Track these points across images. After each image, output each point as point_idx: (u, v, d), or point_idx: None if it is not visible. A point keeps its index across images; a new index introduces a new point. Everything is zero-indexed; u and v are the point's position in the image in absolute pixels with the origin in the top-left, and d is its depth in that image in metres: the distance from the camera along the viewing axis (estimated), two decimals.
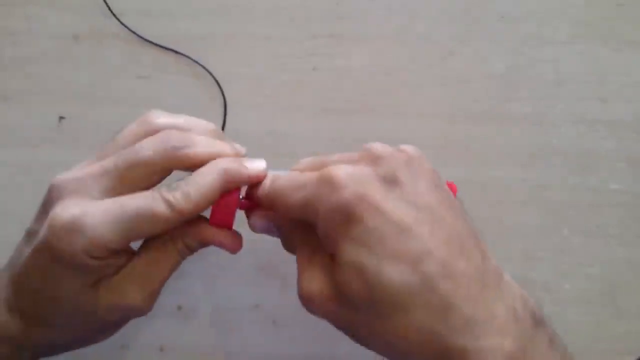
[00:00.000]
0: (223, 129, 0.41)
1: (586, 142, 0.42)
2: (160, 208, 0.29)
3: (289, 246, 0.34)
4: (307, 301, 0.30)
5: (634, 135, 0.42)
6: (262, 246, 0.40)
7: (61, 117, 0.42)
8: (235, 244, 0.34)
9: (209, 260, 0.41)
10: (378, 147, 0.30)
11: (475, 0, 0.42)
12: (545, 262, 0.42)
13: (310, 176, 0.30)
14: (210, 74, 0.42)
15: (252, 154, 0.41)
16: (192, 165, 0.31)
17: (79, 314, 0.31)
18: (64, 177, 0.31)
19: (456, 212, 0.29)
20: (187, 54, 0.42)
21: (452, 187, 0.33)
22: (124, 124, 0.32)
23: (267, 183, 0.32)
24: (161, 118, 0.32)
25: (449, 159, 0.42)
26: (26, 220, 0.32)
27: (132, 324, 0.40)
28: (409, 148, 0.30)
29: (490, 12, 0.42)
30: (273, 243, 0.40)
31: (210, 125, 0.33)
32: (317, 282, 0.29)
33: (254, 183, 0.32)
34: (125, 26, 0.42)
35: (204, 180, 0.30)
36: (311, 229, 0.30)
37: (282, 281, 0.40)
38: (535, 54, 0.42)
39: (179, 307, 0.41)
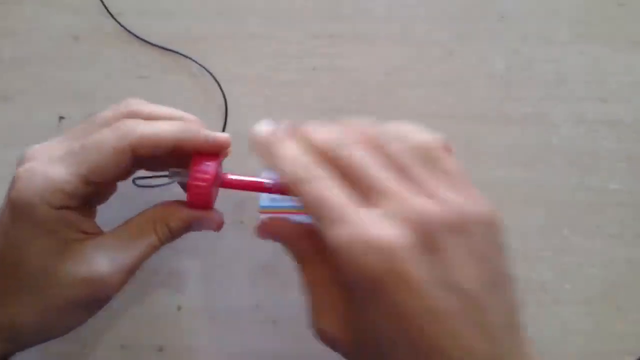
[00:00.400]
0: (224, 129, 0.41)
1: (586, 142, 0.42)
2: (113, 141, 0.30)
3: (297, 259, 0.31)
4: (323, 338, 0.28)
5: (634, 135, 0.42)
6: (262, 246, 0.40)
7: (61, 117, 0.42)
8: (214, 223, 0.33)
9: (209, 260, 0.41)
10: (430, 211, 0.25)
11: (475, 0, 0.42)
12: (545, 262, 0.42)
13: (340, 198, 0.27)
14: (210, 74, 0.42)
15: (253, 154, 0.41)
16: (151, 146, 0.31)
17: (43, 285, 0.30)
18: (31, 148, 0.31)
19: (499, 295, 0.26)
20: (187, 54, 0.42)
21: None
22: None
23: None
24: (135, 106, 0.33)
25: None
26: None
27: (132, 324, 0.40)
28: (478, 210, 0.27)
29: (490, 12, 0.42)
30: (273, 243, 0.40)
31: (189, 116, 0.34)
32: (335, 323, 0.28)
33: (214, 149, 0.32)
34: (125, 27, 0.42)
35: (160, 125, 0.31)
36: (324, 248, 0.27)
37: (282, 281, 0.40)
38: (535, 54, 0.42)
39: (179, 307, 0.41)
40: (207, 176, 0.32)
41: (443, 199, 0.26)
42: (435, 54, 0.42)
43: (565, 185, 0.42)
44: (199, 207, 0.33)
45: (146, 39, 0.42)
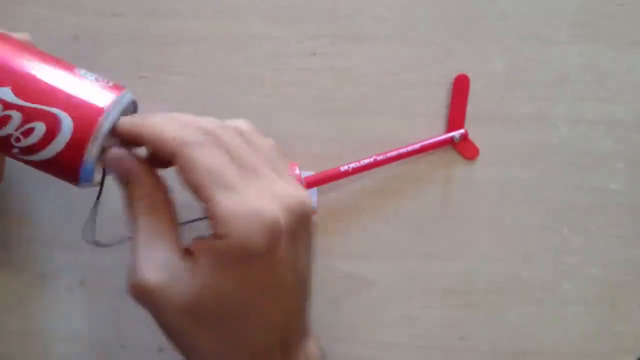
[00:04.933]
0: None
1: (586, 142, 0.42)
2: None
3: (130, 205, 0.30)
4: (139, 291, 0.28)
5: (634, 135, 0.42)
6: None
7: None
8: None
9: None
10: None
11: (475, 0, 0.42)
12: (545, 262, 0.42)
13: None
14: (211, 74, 0.42)
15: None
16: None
17: None
18: None
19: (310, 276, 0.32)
20: (187, 54, 0.42)
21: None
22: None
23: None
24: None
25: (449, 159, 0.42)
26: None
27: (132, 324, 0.40)
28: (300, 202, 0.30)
29: (490, 11, 0.42)
30: None
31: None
32: (164, 279, 0.28)
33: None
34: (125, 27, 0.42)
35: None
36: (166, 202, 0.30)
37: None
38: (535, 54, 0.42)
39: None
40: None
41: (300, 190, 0.30)
42: (435, 54, 0.42)
43: (565, 185, 0.42)
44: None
45: (146, 39, 0.42)
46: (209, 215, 0.28)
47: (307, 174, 0.40)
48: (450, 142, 0.41)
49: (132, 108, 0.33)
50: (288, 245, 0.28)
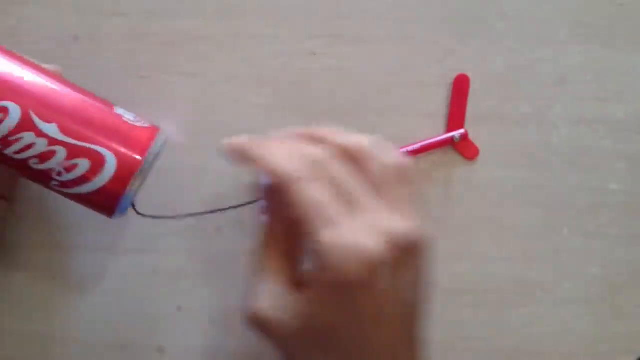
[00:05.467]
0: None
1: (586, 142, 0.42)
2: None
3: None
4: (256, 320, 0.31)
5: (634, 135, 0.42)
6: None
7: None
8: None
9: (209, 260, 0.41)
10: (400, 232, 0.29)
11: (475, 0, 0.42)
12: (545, 262, 0.42)
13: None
14: (211, 74, 0.42)
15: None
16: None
17: None
18: None
19: (419, 310, 0.32)
20: (187, 54, 0.42)
21: None
22: None
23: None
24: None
25: (449, 159, 0.42)
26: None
27: (132, 324, 0.40)
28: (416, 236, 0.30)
29: (490, 11, 0.42)
30: None
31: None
32: (278, 309, 0.31)
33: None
34: (125, 26, 0.42)
35: None
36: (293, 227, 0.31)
37: None
38: (535, 54, 0.42)
39: (179, 308, 0.41)
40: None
41: (411, 221, 0.30)
42: (435, 54, 0.42)
43: (565, 185, 0.42)
44: None
45: (146, 39, 0.42)
46: (312, 249, 0.29)
47: None
48: (451, 142, 0.41)
49: (164, 145, 0.36)
50: (390, 277, 0.29)
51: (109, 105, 0.35)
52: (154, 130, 0.35)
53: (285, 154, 0.31)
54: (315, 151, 0.31)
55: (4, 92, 0.32)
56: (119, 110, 0.35)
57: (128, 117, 0.34)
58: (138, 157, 0.33)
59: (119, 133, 0.33)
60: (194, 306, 0.41)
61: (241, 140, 0.32)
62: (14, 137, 0.32)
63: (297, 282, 0.31)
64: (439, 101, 0.42)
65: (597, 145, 0.42)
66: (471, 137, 0.42)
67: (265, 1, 0.42)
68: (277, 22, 0.42)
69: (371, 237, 0.29)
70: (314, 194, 0.29)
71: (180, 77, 0.42)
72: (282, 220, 0.33)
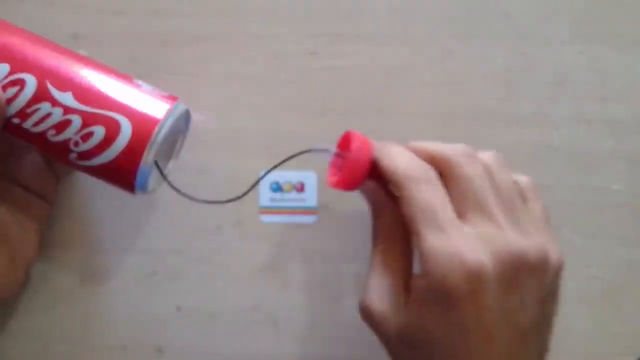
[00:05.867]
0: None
1: (586, 142, 0.42)
2: None
3: (373, 233, 0.34)
4: (367, 315, 0.31)
5: (634, 136, 0.42)
6: (262, 246, 0.40)
7: None
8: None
9: (209, 261, 0.41)
10: (532, 254, 0.29)
11: (476, 0, 0.42)
12: None
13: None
14: (211, 74, 0.42)
15: (252, 154, 0.41)
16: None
17: None
18: None
19: (540, 335, 0.31)
20: (187, 54, 0.42)
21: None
22: None
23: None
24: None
25: None
26: None
27: (132, 324, 0.40)
28: (555, 255, 0.30)
29: (490, 11, 0.42)
30: (273, 243, 0.40)
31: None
32: (387, 307, 0.31)
33: None
34: (125, 26, 0.42)
35: None
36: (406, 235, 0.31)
37: (282, 281, 0.40)
38: (535, 54, 0.42)
39: (178, 308, 0.41)
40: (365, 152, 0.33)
41: (532, 239, 0.29)
42: (435, 54, 0.42)
43: (565, 185, 0.42)
44: (351, 183, 0.33)
45: (146, 39, 0.42)
46: (419, 252, 0.29)
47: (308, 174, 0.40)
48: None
49: (185, 117, 0.35)
50: (499, 293, 0.28)
51: (128, 77, 0.35)
52: (173, 98, 0.34)
53: (407, 157, 0.31)
54: (442, 147, 0.32)
55: (19, 63, 0.32)
56: (138, 81, 0.34)
57: (146, 87, 0.34)
58: (154, 124, 0.32)
59: (134, 98, 0.33)
60: (193, 306, 0.41)
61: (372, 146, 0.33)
62: (31, 109, 0.32)
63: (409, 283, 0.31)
64: (439, 101, 0.42)
65: (597, 146, 0.42)
66: (471, 137, 0.42)
67: (265, 1, 0.42)
68: (277, 21, 0.42)
69: (478, 249, 0.28)
70: (427, 196, 0.29)
71: (180, 77, 0.42)
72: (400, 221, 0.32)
